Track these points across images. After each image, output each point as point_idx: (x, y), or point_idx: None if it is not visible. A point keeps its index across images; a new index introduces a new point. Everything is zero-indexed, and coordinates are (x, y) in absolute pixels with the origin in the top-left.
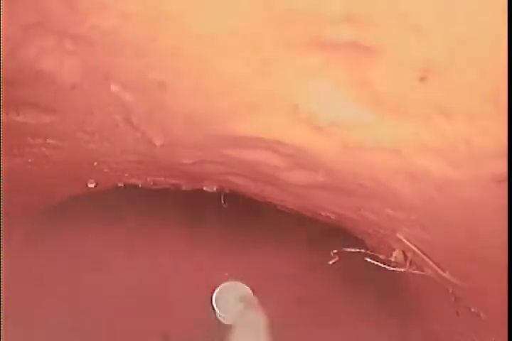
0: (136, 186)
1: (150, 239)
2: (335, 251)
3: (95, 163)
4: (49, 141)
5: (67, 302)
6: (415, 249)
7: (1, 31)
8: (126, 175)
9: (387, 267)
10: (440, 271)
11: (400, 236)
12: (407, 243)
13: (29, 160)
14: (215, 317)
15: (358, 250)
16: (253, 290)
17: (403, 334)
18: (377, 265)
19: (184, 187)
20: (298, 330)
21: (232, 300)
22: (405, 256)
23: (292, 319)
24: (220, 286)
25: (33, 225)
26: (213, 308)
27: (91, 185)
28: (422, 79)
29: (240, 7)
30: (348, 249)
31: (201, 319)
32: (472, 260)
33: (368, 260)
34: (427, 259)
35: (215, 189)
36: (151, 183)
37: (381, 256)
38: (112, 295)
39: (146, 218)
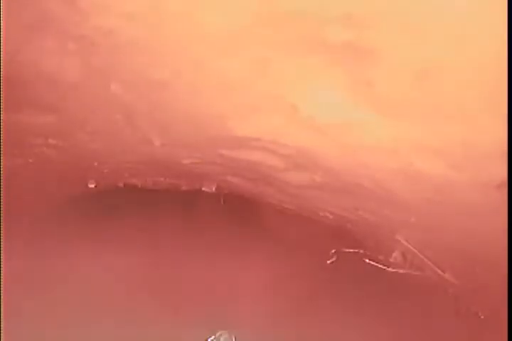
0: (136, 186)
1: (149, 238)
2: (333, 250)
3: (95, 163)
4: (50, 141)
5: (67, 301)
6: (414, 250)
7: (2, 31)
8: (126, 175)
9: (387, 268)
10: (440, 272)
11: (399, 237)
12: (406, 244)
13: (30, 160)
14: None
15: (356, 250)
16: (252, 290)
17: (403, 334)
18: (376, 266)
19: (183, 188)
20: (298, 329)
21: None
22: (404, 258)
23: (291, 318)
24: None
25: (33, 225)
26: None
27: (91, 185)
28: (421, 79)
29: (240, 8)
30: (347, 249)
31: (199, 318)
32: (472, 260)
33: (367, 261)
34: (427, 260)
35: (214, 189)
36: (151, 183)
37: (380, 257)
38: (112, 294)
39: (146, 218)
